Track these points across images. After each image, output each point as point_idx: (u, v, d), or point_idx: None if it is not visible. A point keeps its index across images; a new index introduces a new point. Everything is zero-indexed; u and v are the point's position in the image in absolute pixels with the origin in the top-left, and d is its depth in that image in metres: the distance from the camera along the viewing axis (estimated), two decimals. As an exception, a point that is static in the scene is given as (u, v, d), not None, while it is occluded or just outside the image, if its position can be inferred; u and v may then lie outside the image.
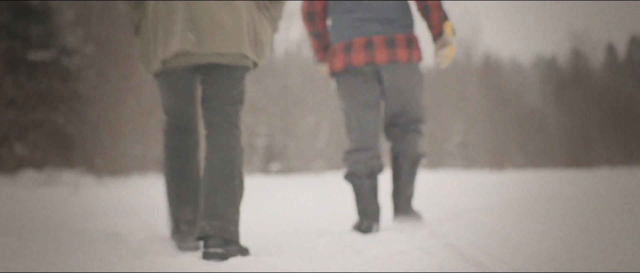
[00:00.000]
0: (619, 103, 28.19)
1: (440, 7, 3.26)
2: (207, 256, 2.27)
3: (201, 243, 2.38)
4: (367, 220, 3.24)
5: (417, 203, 3.86)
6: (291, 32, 29.58)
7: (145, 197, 6.12)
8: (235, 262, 2.34)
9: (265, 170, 25.21)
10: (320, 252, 2.61)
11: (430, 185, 9.45)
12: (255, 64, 2.53)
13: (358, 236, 3.10)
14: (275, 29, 2.60)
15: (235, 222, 2.35)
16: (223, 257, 2.26)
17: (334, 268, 2.27)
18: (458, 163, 28.24)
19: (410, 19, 3.32)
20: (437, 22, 3.26)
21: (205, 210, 2.33)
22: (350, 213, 4.44)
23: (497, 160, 26.63)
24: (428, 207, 4.60)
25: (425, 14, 3.28)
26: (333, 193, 7.97)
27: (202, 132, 2.60)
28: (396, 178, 3.37)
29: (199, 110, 2.59)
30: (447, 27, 3.29)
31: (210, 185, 2.35)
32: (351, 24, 3.22)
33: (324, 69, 3.46)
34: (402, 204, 3.36)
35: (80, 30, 10.99)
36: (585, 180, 7.95)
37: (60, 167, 8.85)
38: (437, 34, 3.28)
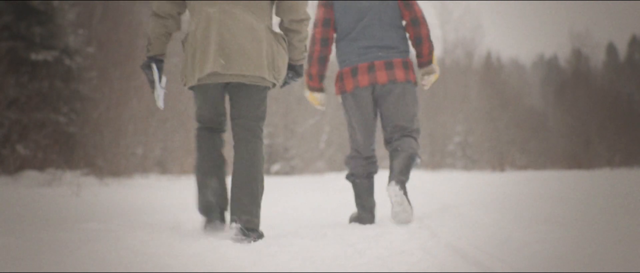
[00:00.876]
0: (620, 103, 28.16)
1: (430, 39, 3.83)
2: (236, 239, 2.87)
3: (226, 223, 3.06)
4: (364, 212, 3.81)
5: (417, 202, 3.98)
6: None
7: (146, 197, 6.13)
8: (237, 262, 2.35)
9: (266, 171, 25.23)
10: (322, 252, 2.62)
11: (432, 185, 9.46)
12: (274, 84, 3.12)
13: (360, 236, 3.12)
14: (301, 54, 3.21)
15: (257, 215, 2.99)
16: (247, 241, 2.85)
17: (336, 268, 2.27)
18: (459, 164, 28.20)
19: (407, 46, 3.84)
20: (427, 52, 3.82)
21: (234, 206, 2.96)
22: (349, 214, 4.51)
23: (498, 161, 26.60)
24: (429, 207, 4.60)
25: (417, 44, 3.82)
26: (334, 193, 7.98)
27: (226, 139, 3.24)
28: (393, 166, 3.65)
29: (226, 117, 3.18)
30: (434, 58, 3.86)
31: (236, 186, 2.98)
32: (357, 51, 3.75)
33: (317, 97, 3.99)
34: (397, 179, 3.56)
35: (82, 31, 11.01)
36: (586, 181, 7.95)
37: (62, 167, 8.86)
38: (426, 62, 3.85)
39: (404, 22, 3.84)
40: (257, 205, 3.00)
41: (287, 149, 25.10)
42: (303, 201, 6.76)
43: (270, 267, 2.28)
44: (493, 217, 3.39)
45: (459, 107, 29.86)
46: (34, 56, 9.08)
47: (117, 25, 12.29)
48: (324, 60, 3.91)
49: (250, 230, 2.92)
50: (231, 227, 2.94)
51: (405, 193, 3.58)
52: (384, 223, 3.73)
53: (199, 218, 3.25)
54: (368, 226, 3.67)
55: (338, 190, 8.95)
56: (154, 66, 3.05)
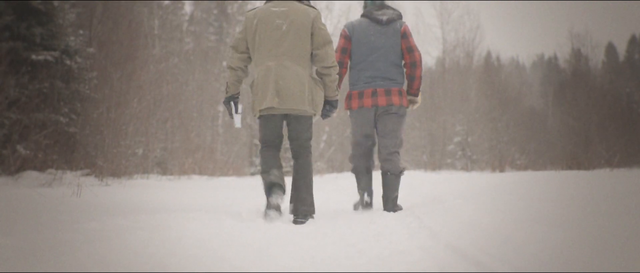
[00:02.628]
0: (619, 103, 28.14)
1: (421, 78, 4.96)
2: (297, 222, 4.08)
3: (283, 212, 4.17)
4: (366, 197, 4.89)
5: (417, 202, 4.02)
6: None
7: (147, 197, 6.13)
8: (237, 262, 2.35)
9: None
10: (322, 252, 2.62)
11: (431, 185, 9.44)
12: (315, 114, 4.33)
13: (360, 236, 3.13)
14: (333, 92, 4.41)
15: (311, 204, 4.23)
16: (304, 222, 4.08)
17: (336, 268, 2.28)
18: (458, 164, 28.18)
19: (403, 79, 4.96)
20: (416, 88, 4.97)
21: (296, 198, 4.20)
22: (349, 213, 4.54)
23: (498, 161, 26.59)
24: (429, 207, 4.60)
25: (410, 80, 4.96)
26: (333, 193, 7.98)
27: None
28: (385, 187, 4.84)
29: (283, 138, 4.39)
30: (419, 92, 5.03)
31: (297, 185, 4.25)
32: (364, 79, 4.87)
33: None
34: (390, 204, 4.81)
35: (83, 32, 11.00)
36: (585, 181, 7.95)
37: (63, 167, 8.85)
38: (414, 94, 4.99)
39: (403, 62, 4.96)
40: (311, 194, 4.24)
41: (286, 149, 25.10)
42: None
43: (270, 267, 2.29)
44: (492, 216, 3.39)
45: (459, 107, 29.84)
46: (34, 56, 9.08)
47: (117, 26, 12.29)
48: (339, 78, 4.90)
49: (308, 212, 4.18)
50: (292, 215, 4.19)
51: (397, 209, 4.79)
52: (384, 223, 3.74)
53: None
54: (368, 225, 3.69)
55: (337, 190, 8.95)
56: (232, 103, 4.40)
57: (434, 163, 28.21)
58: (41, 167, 8.64)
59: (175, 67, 22.23)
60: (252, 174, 24.67)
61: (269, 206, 4.10)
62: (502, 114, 29.27)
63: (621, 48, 50.20)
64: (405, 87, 5.04)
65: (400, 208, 4.83)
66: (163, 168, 16.44)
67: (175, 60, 23.31)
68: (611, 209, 3.42)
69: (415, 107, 5.09)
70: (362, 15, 5.01)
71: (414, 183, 10.39)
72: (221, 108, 26.45)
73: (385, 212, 4.58)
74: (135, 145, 12.80)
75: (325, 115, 4.52)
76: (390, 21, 4.91)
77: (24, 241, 2.43)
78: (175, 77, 20.56)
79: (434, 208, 4.48)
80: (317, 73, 4.36)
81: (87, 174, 9.39)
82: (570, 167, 20.85)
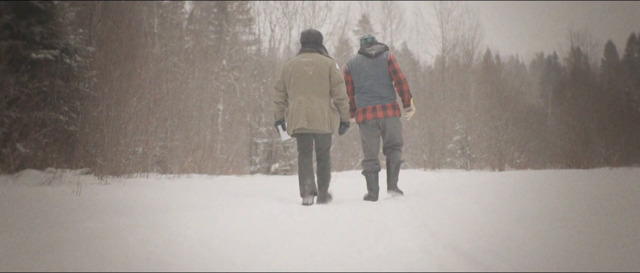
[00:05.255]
0: (619, 102, 28.12)
1: (409, 91, 6.40)
2: (320, 202, 5.85)
3: (315, 198, 5.87)
4: (373, 193, 6.23)
5: (415, 199, 4.02)
6: (293, 31, 29.56)
7: (146, 196, 6.12)
8: (236, 261, 2.35)
9: (266, 170, 25.21)
10: (322, 252, 2.62)
11: (430, 184, 9.44)
12: (332, 132, 6.03)
13: (360, 236, 3.13)
14: (346, 116, 6.12)
15: (327, 190, 5.98)
16: (326, 203, 5.82)
17: (335, 267, 2.28)
18: (458, 163, 28.18)
19: (395, 95, 6.44)
20: (407, 99, 6.41)
21: (320, 188, 5.96)
22: (348, 212, 4.54)
23: (497, 160, 26.58)
24: (428, 207, 4.61)
25: (401, 94, 6.42)
26: (333, 191, 7.96)
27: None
28: (388, 172, 6.38)
29: (312, 148, 6.12)
30: (412, 101, 6.44)
31: (320, 178, 6.01)
32: (366, 99, 6.41)
33: (352, 120, 6.60)
34: (391, 185, 6.28)
35: (83, 30, 11.00)
36: (585, 180, 7.95)
37: (62, 166, 8.85)
38: (407, 105, 6.42)
39: (393, 82, 6.44)
40: (327, 186, 6.00)
41: (286, 148, 25.11)
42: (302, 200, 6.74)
43: (270, 267, 2.29)
44: (492, 215, 3.39)
45: (458, 106, 29.84)
46: (34, 55, 9.07)
47: (117, 24, 12.29)
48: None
49: (326, 197, 5.92)
50: (317, 198, 5.86)
51: (397, 190, 6.24)
52: (383, 222, 3.74)
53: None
54: (368, 224, 3.69)
55: (335, 188, 8.95)
56: (280, 125, 6.06)
57: (434, 162, 28.22)
58: (41, 166, 8.63)
59: (175, 66, 22.22)
60: (252, 173, 24.68)
61: (305, 192, 5.77)
62: (502, 113, 29.26)
63: (621, 47, 50.24)
64: (398, 101, 6.50)
65: (401, 193, 6.23)
66: (163, 166, 16.43)
67: (175, 59, 23.30)
68: (610, 208, 3.42)
69: (411, 114, 6.51)
70: (358, 52, 6.56)
71: (413, 182, 10.39)
72: (221, 107, 26.51)
73: (385, 211, 4.64)
74: (135, 144, 12.79)
75: (341, 132, 6.24)
76: (378, 54, 6.46)
77: (24, 239, 2.43)
78: (175, 75, 20.55)
79: (433, 207, 4.48)
80: (334, 103, 6.06)
81: (87, 173, 9.38)
82: (569, 166, 20.85)
